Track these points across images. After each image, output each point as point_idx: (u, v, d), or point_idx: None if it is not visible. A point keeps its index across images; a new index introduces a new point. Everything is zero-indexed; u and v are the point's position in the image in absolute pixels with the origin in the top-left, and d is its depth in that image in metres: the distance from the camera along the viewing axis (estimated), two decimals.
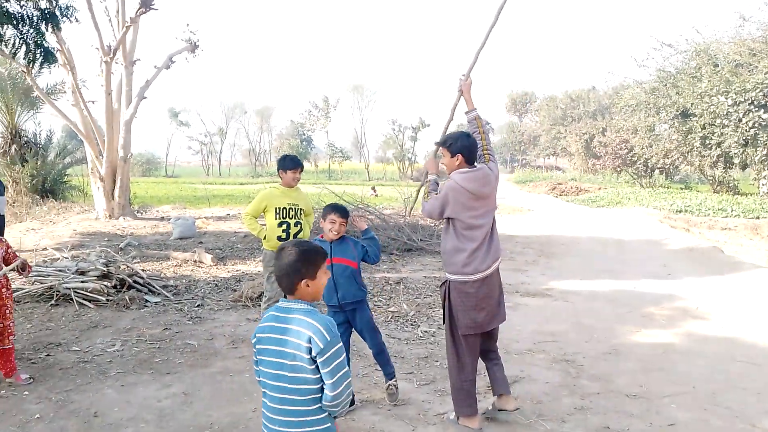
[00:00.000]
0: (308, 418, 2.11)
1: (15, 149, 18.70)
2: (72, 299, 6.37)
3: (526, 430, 3.79)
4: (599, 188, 32.42)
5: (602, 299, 7.57)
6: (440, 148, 3.83)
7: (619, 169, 36.40)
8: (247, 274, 8.34)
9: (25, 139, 19.45)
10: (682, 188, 31.02)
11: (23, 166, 18.17)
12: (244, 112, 77.75)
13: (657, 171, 33.88)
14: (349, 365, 3.91)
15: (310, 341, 2.05)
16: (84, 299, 6.42)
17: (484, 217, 3.73)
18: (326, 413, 2.13)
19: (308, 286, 2.15)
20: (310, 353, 2.05)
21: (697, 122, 23.88)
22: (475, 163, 3.80)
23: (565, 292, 7.92)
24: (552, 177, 46.08)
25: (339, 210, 3.96)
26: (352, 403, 4.04)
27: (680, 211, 19.04)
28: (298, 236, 4.99)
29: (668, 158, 29.53)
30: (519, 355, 5.31)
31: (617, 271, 9.52)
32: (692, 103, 23.97)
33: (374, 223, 11.11)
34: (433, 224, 11.55)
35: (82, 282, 6.56)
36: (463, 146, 3.73)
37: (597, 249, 11.75)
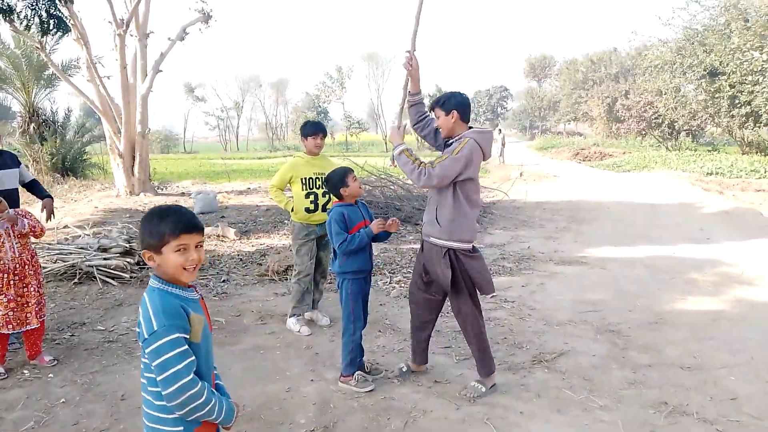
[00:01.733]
0: (154, 414, 1.83)
1: (33, 128, 18.67)
2: (95, 277, 6.23)
3: (579, 408, 3.54)
4: (623, 152, 31.65)
5: (641, 266, 7.25)
6: (434, 108, 3.67)
7: (643, 133, 35.49)
8: (272, 247, 8.14)
9: (43, 117, 19.38)
10: (709, 150, 30.12)
11: (42, 144, 18.13)
12: (260, 86, 77.32)
13: (683, 133, 33.00)
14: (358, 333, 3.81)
15: (139, 326, 1.79)
16: (107, 277, 6.27)
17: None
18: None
19: (152, 260, 1.83)
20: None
21: (726, 81, 23.04)
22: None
23: (602, 259, 7.61)
24: (574, 143, 45.14)
25: (350, 169, 3.89)
26: (377, 372, 3.97)
27: (710, 174, 18.45)
28: (327, 207, 4.73)
29: (695, 120, 28.69)
30: (560, 326, 5.05)
31: (653, 236, 9.16)
32: (721, 61, 23.10)
33: (397, 193, 10.84)
34: None
35: (105, 259, 6.41)
36: (458, 103, 3.59)
37: (629, 214, 11.35)
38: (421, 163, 3.54)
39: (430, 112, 3.83)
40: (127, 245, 6.60)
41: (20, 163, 4.93)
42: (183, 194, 15.40)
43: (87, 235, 7.72)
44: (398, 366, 3.99)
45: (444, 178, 3.46)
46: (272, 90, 78.31)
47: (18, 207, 4.58)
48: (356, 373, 3.79)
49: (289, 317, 4.92)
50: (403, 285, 6.21)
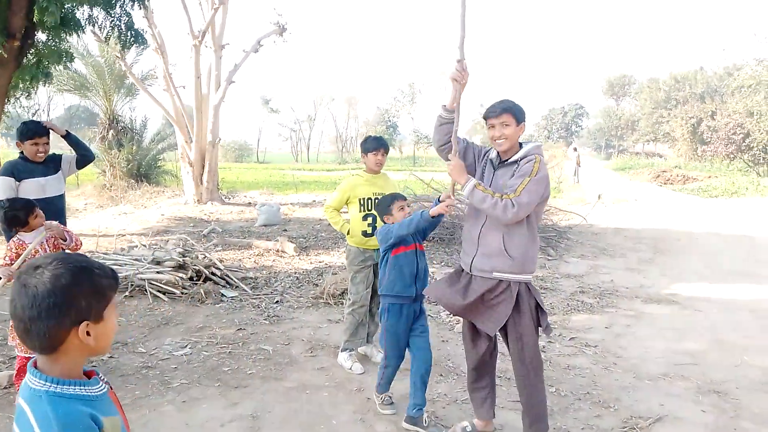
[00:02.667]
0: None
1: (112, 134, 19.26)
2: (146, 291, 5.99)
3: None
4: (709, 176, 29.62)
5: (742, 309, 6.35)
6: (503, 115, 3.04)
7: (732, 156, 33.18)
8: (330, 266, 7.73)
9: (122, 124, 19.99)
10: None
11: (119, 150, 18.65)
12: (332, 100, 78.38)
13: None
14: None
15: None
16: (159, 291, 6.02)
17: None
18: None
19: (88, 334, 1.27)
20: None
21: None
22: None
23: (695, 298, 6.74)
24: (653, 164, 42.93)
25: (401, 196, 3.58)
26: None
27: None
28: None
29: None
30: (652, 381, 4.32)
31: (753, 273, 8.14)
32: None
33: (464, 212, 10.21)
34: None
35: (158, 273, 6.17)
36: (524, 113, 3.11)
37: (721, 246, 10.27)
38: (501, 195, 2.94)
39: (489, 119, 3.08)
40: (181, 259, 6.34)
41: (60, 158, 4.53)
42: (249, 204, 15.37)
43: (144, 246, 7.56)
44: (461, 425, 3.42)
45: (530, 206, 2.95)
46: (344, 104, 79.22)
47: (64, 216, 4.34)
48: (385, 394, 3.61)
49: (341, 351, 4.44)
50: None
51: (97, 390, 1.32)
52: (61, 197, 4.43)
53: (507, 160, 3.10)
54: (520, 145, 3.13)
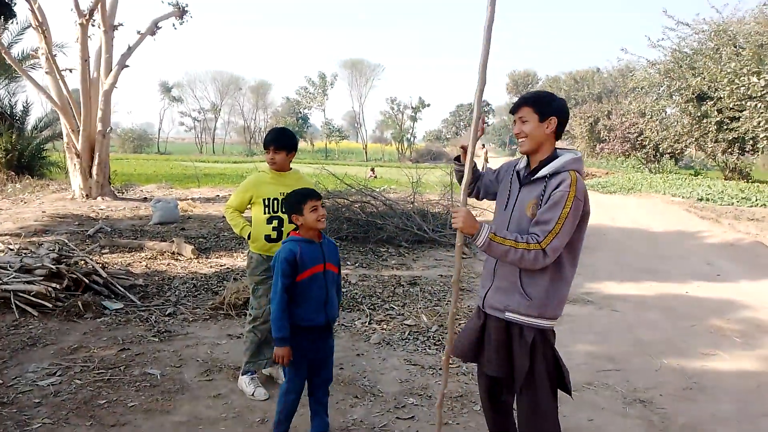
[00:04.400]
0: None
1: None
2: (12, 304, 5.10)
3: None
4: (606, 173, 31.17)
5: (655, 308, 6.36)
6: (522, 108, 2.52)
7: (627, 154, 35.15)
8: (232, 270, 7.07)
9: None
10: (691, 174, 29.75)
11: None
12: (239, 89, 75.81)
13: (666, 156, 32.65)
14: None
15: None
16: (27, 304, 5.15)
17: None
18: None
19: None
20: None
21: (713, 106, 22.63)
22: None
23: (609, 297, 6.71)
24: None
25: (315, 194, 3.01)
26: None
27: (701, 200, 17.83)
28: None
29: (679, 143, 28.35)
30: (578, 391, 4.08)
31: (659, 270, 8.30)
32: (710, 86, 22.67)
33: (379, 210, 9.84)
34: (446, 212, 10.27)
35: (26, 282, 5.29)
36: (560, 109, 2.50)
37: (627, 243, 10.53)
38: (521, 242, 2.39)
39: (514, 113, 2.59)
40: (55, 266, 5.47)
41: None
42: (145, 200, 14.21)
43: (11, 249, 6.56)
44: None
45: (563, 245, 2.42)
46: (252, 94, 76.87)
47: None
48: None
49: (242, 374, 3.88)
50: (386, 327, 5.21)
51: None
52: None
53: (534, 176, 2.53)
54: (556, 151, 2.55)
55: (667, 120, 29.11)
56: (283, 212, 3.77)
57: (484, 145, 31.61)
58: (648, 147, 31.58)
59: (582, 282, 7.39)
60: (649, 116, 29.37)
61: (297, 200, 2.97)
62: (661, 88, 27.82)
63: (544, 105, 2.50)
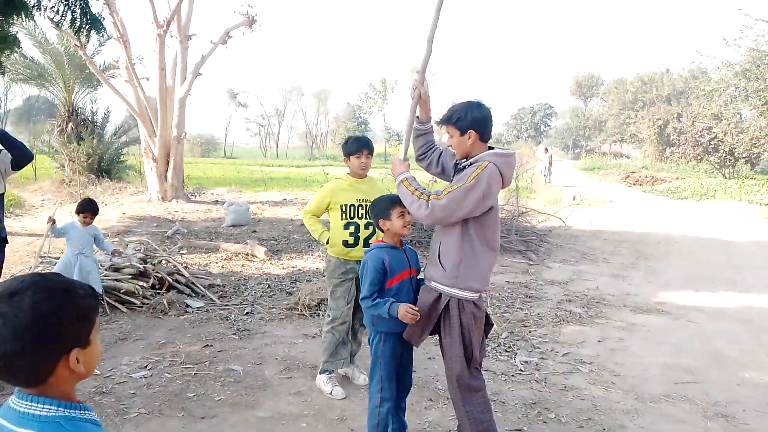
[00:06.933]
0: None
1: (72, 127, 18.36)
2: (103, 301, 5.46)
3: None
4: (676, 177, 30.00)
5: (733, 319, 6.14)
6: (445, 126, 2.94)
7: (699, 158, 33.70)
8: (304, 272, 7.29)
9: (82, 117, 19.09)
10: None
11: (79, 144, 17.76)
12: (302, 95, 77.41)
13: (742, 160, 31.13)
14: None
15: None
16: (117, 301, 5.51)
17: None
18: None
19: (78, 361, 1.15)
20: None
21: None
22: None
23: (684, 307, 6.51)
24: (621, 165, 43.43)
25: (400, 200, 3.00)
26: None
27: None
28: (370, 241, 3.83)
29: (757, 147, 27.02)
30: (655, 403, 4.02)
31: (736, 280, 7.99)
32: None
33: None
34: (511, 217, 10.19)
35: (116, 281, 5.65)
36: (476, 120, 2.85)
37: (701, 251, 10.15)
38: (422, 193, 2.81)
39: (440, 127, 3.07)
40: (142, 266, 5.82)
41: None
42: (216, 202, 14.77)
43: None
44: None
45: (453, 212, 2.74)
46: (314, 99, 78.36)
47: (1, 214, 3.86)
48: None
49: (320, 373, 4.03)
50: None
51: (95, 415, 1.22)
52: None
53: (459, 164, 2.96)
54: (488, 150, 2.90)
55: (742, 123, 27.82)
56: (359, 218, 3.90)
57: (547, 149, 31.04)
58: (722, 151, 30.20)
59: (655, 291, 7.22)
60: (723, 118, 28.13)
61: (385, 206, 3.03)
62: (737, 89, 26.60)
63: (461, 122, 2.85)
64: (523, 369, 4.49)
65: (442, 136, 3.39)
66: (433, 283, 2.89)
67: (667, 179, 29.39)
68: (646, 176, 30.71)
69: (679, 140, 35.86)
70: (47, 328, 1.10)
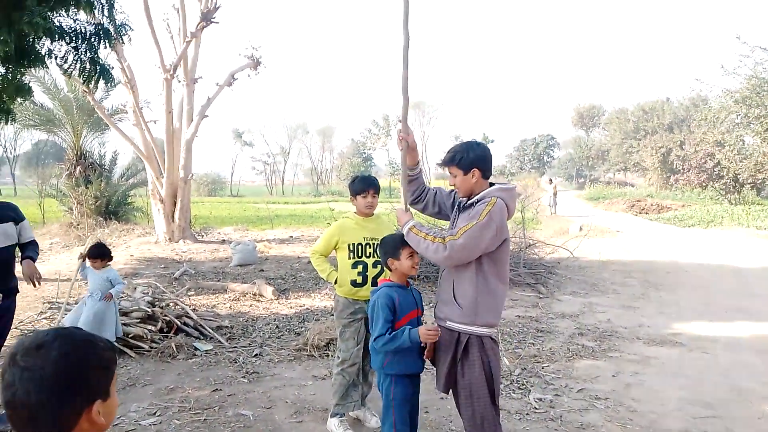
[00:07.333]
0: None
1: (80, 171, 18.55)
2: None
3: None
4: (682, 205, 29.94)
5: (749, 349, 6.04)
6: (448, 167, 2.99)
7: (704, 185, 33.69)
8: (311, 310, 7.25)
9: (90, 160, 19.31)
10: None
11: (87, 187, 17.94)
12: (306, 132, 78.40)
13: (747, 186, 31.09)
14: None
15: None
16: (125, 346, 5.47)
17: None
18: None
19: (99, 413, 1.18)
20: None
21: None
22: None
23: (698, 338, 6.42)
24: (627, 193, 43.41)
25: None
26: None
27: None
28: (378, 280, 3.81)
29: (761, 172, 27.04)
30: None
31: (749, 309, 7.89)
32: None
33: None
34: (518, 249, 10.15)
35: (124, 325, 5.61)
36: (478, 158, 2.90)
37: (712, 279, 10.06)
38: (435, 237, 2.82)
39: (443, 168, 3.08)
40: (150, 309, 5.80)
41: (23, 218, 4.20)
42: (223, 242, 14.80)
43: None
44: None
45: (472, 250, 2.74)
46: (318, 136, 79.25)
47: (10, 273, 3.85)
48: None
49: (331, 417, 3.96)
50: None
51: None
52: (7, 249, 3.99)
53: (464, 203, 2.98)
54: (491, 186, 2.95)
55: (745, 149, 27.91)
56: (367, 257, 3.89)
57: (551, 180, 31.14)
58: (726, 177, 30.21)
59: (667, 322, 7.13)
60: (726, 145, 28.23)
61: (395, 245, 3.00)
62: (738, 117, 26.78)
63: (464, 161, 2.90)
64: (537, 407, 4.41)
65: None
66: (449, 322, 2.87)
67: (673, 207, 29.35)
68: (651, 204, 30.69)
69: (683, 167, 35.94)
70: (72, 379, 1.13)
